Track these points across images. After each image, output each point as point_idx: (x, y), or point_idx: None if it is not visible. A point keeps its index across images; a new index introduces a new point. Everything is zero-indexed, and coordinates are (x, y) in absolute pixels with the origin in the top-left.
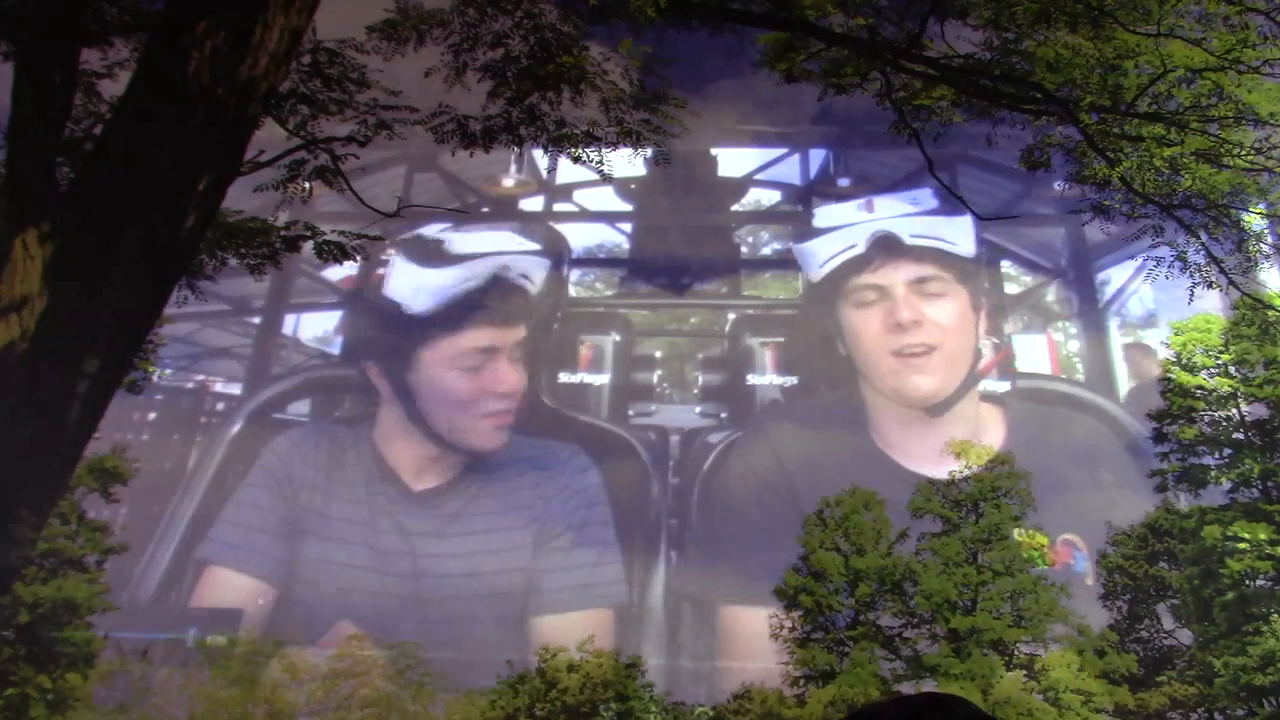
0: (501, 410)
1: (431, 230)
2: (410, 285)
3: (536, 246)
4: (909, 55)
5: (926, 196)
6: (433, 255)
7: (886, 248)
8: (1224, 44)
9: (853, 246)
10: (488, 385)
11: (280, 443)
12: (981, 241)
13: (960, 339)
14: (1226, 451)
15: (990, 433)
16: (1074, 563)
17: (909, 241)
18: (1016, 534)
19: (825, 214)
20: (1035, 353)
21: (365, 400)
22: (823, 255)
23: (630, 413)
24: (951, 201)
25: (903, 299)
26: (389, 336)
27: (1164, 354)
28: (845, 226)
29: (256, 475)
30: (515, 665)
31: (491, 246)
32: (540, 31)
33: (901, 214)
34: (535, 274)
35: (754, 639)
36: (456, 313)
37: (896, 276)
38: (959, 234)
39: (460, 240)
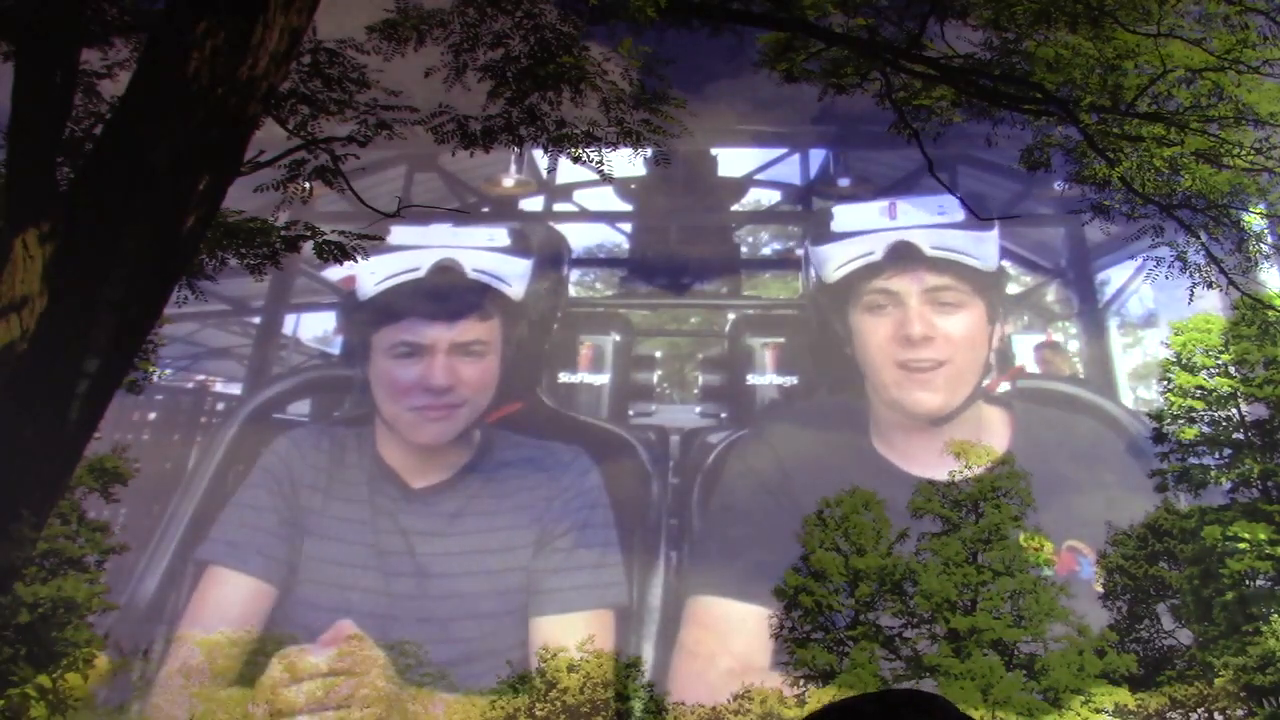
0: (429, 405)
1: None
2: (361, 270)
3: (502, 242)
4: (909, 55)
5: (952, 204)
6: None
7: (904, 256)
8: (1224, 44)
9: (870, 254)
10: (420, 378)
11: (280, 443)
12: (1004, 253)
13: (970, 353)
14: (1226, 451)
15: (994, 434)
16: (1080, 569)
17: (929, 253)
18: (1021, 538)
19: (844, 216)
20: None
21: (365, 400)
22: (839, 259)
23: (630, 413)
24: (976, 212)
25: (915, 311)
26: (353, 326)
27: (1137, 354)
28: (865, 233)
29: (256, 475)
30: (515, 665)
31: (439, 239)
32: (540, 31)
33: (925, 224)
34: (507, 272)
35: (752, 638)
36: (397, 301)
37: (911, 285)
38: (983, 248)
39: (407, 231)
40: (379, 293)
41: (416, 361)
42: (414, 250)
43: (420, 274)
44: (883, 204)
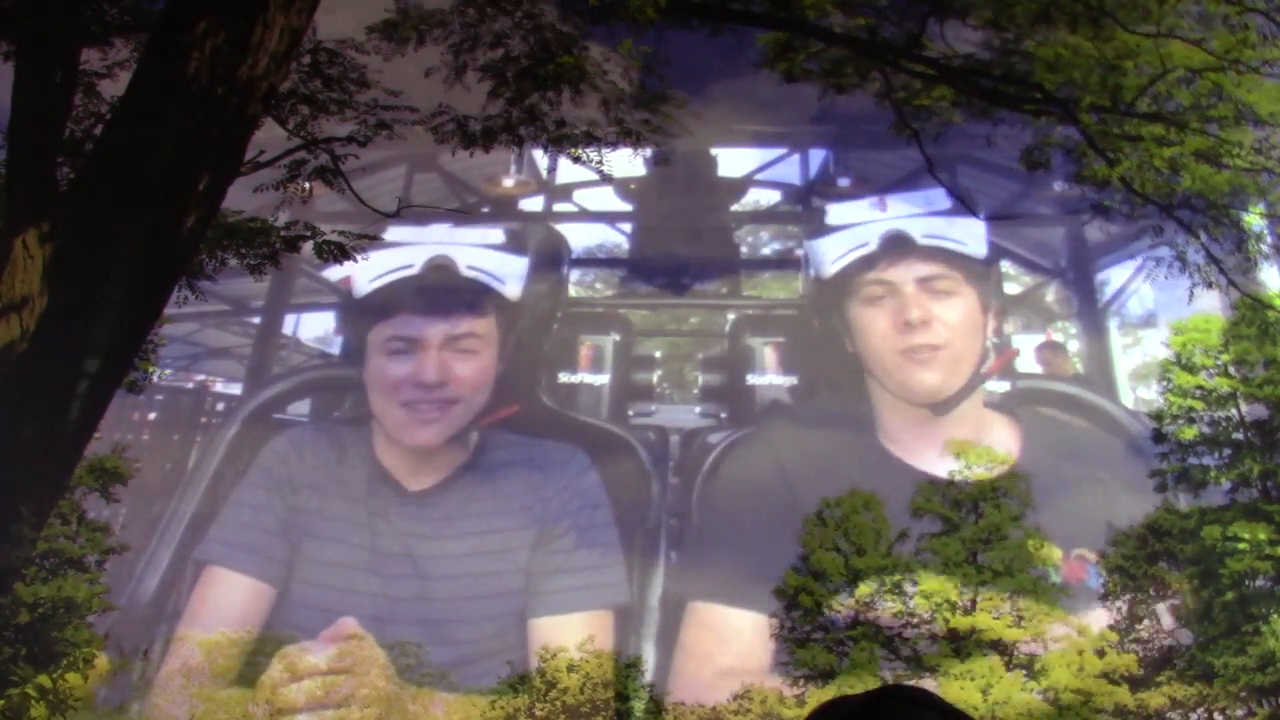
0: (420, 401)
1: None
2: (357, 268)
3: (497, 240)
4: (909, 55)
5: (940, 197)
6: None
7: (897, 246)
8: (1224, 44)
9: (865, 245)
10: (412, 374)
11: (279, 442)
12: (991, 243)
13: (967, 339)
14: (1226, 451)
15: (997, 437)
16: (1088, 578)
17: (921, 241)
18: (1029, 545)
19: (838, 212)
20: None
21: (365, 400)
22: (835, 253)
23: (630, 413)
24: (969, 205)
25: (912, 297)
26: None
27: (1143, 354)
28: (858, 225)
29: (254, 474)
30: (515, 665)
31: (434, 236)
32: (540, 31)
33: (913, 214)
34: (503, 271)
35: (751, 643)
36: (393, 299)
37: (906, 274)
38: (970, 235)
39: (403, 229)
40: (374, 290)
41: (410, 358)
42: (409, 247)
43: (414, 271)
44: (873, 199)
